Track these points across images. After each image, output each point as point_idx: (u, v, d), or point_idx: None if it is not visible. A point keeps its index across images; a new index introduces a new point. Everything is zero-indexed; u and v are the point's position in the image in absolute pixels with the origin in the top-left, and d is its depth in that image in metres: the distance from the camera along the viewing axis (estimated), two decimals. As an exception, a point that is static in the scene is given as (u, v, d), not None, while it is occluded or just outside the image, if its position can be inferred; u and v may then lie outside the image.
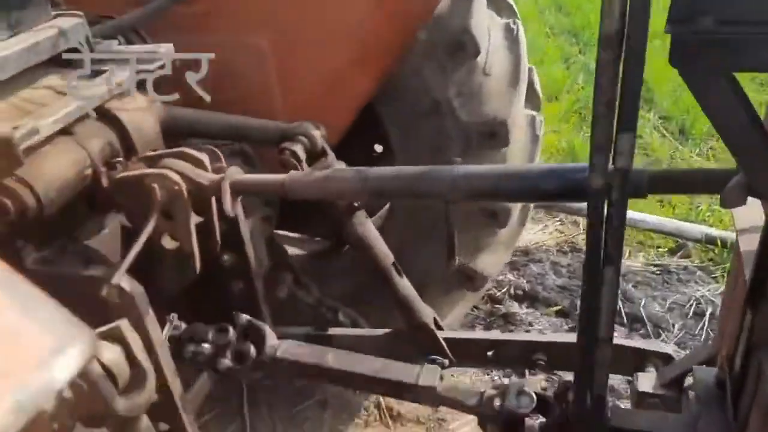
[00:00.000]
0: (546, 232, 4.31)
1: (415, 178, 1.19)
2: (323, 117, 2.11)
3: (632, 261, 3.86)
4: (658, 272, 3.80)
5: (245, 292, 1.77)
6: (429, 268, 2.48)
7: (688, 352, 2.95)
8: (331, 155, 1.85)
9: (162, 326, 1.62)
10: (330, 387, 3.05)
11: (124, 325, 1.10)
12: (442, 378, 1.55)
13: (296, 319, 2.42)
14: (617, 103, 0.96)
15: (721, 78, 0.85)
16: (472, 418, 2.90)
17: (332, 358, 1.58)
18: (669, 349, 2.02)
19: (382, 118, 2.20)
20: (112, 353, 1.04)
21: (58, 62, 1.41)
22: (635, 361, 2.11)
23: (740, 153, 0.90)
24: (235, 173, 1.33)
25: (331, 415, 2.96)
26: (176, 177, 1.30)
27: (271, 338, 1.63)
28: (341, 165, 1.84)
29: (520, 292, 3.72)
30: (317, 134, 1.77)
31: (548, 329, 3.34)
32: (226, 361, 1.58)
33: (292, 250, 2.91)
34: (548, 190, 1.10)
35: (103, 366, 1.02)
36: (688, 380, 1.73)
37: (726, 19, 0.79)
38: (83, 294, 1.29)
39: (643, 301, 3.51)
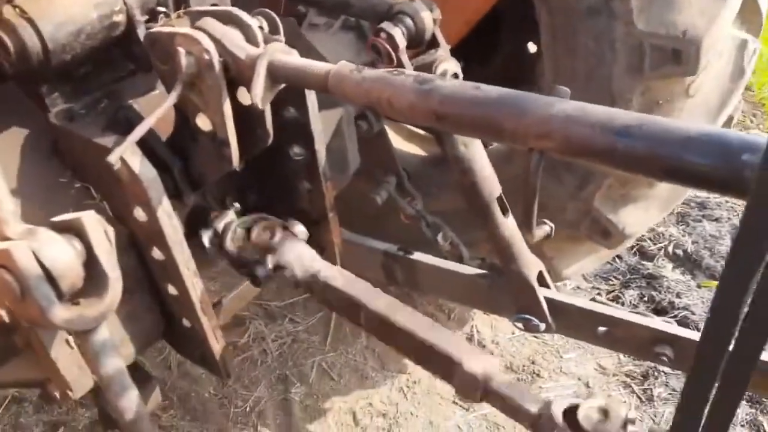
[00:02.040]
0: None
1: (496, 106, 0.79)
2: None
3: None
4: None
5: (312, 195, 1.51)
6: (557, 208, 2.06)
7: None
8: (444, 48, 1.46)
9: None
10: (425, 306, 2.84)
11: (87, 217, 0.88)
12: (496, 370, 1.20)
13: (390, 229, 2.18)
14: None
15: None
16: (573, 382, 2.57)
17: (379, 303, 1.29)
18: None
19: (535, 9, 1.72)
20: (58, 251, 0.84)
21: None
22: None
23: None
24: (278, 51, 1.01)
25: (461, 337, 2.76)
26: (207, 43, 1.01)
27: (312, 262, 1.37)
28: (453, 65, 1.45)
29: (679, 252, 3.11)
30: (427, 17, 1.37)
31: (698, 306, 2.77)
32: (262, 270, 1.36)
33: (410, 149, 2.59)
34: (697, 170, 0.66)
35: (42, 265, 0.82)
36: None
37: None
38: (98, 163, 1.10)
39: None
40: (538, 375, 2.55)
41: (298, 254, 1.37)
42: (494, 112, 0.79)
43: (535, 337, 2.68)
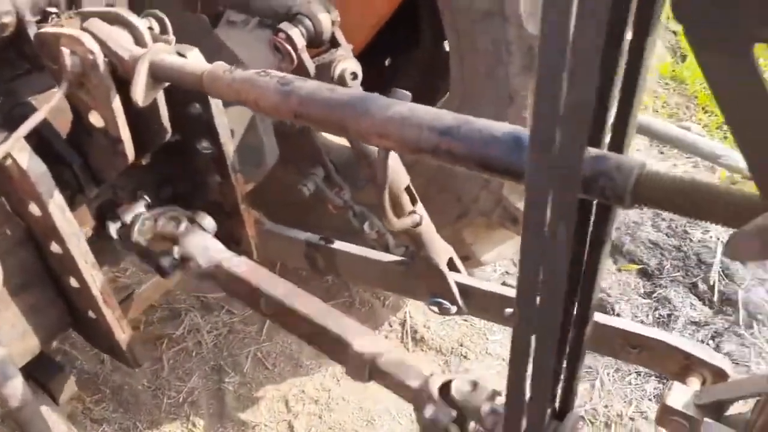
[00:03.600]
0: (663, 176, 3.68)
1: (344, 107, 0.86)
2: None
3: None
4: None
5: (223, 188, 1.57)
6: (471, 198, 2.15)
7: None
8: (344, 48, 1.52)
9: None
10: (361, 293, 2.92)
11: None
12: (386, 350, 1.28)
13: (320, 221, 2.24)
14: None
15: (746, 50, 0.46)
16: (497, 363, 2.69)
17: (278, 290, 1.36)
18: (725, 364, 1.62)
19: (440, 13, 1.80)
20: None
21: None
22: (679, 366, 1.75)
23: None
24: (160, 52, 1.06)
25: (354, 320, 2.84)
26: (91, 43, 1.06)
27: (216, 252, 1.43)
28: (352, 64, 1.52)
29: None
30: (325, 18, 1.44)
31: (615, 288, 2.92)
32: (167, 260, 1.42)
33: (340, 140, 2.66)
34: (501, 163, 0.75)
35: None
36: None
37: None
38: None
39: (746, 283, 2.95)
40: (465, 357, 2.66)
41: (203, 245, 1.43)
42: (343, 113, 0.86)
43: (464, 320, 2.78)
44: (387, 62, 2.71)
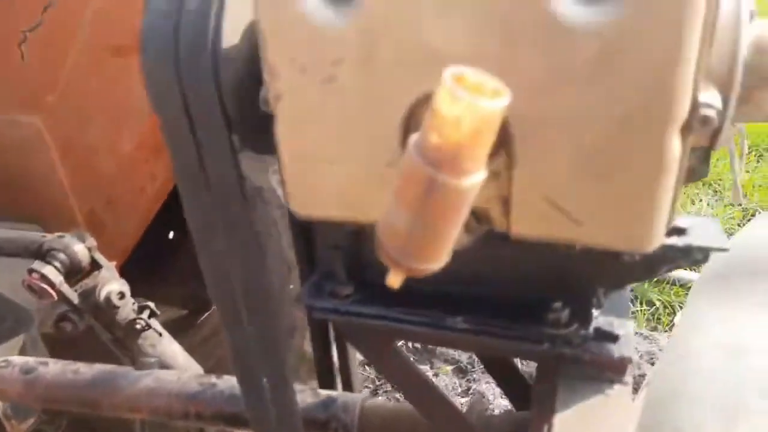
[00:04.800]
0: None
1: (91, 387, 0.88)
2: (122, 200, 1.81)
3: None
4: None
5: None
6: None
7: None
8: (107, 268, 1.53)
9: None
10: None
11: None
12: None
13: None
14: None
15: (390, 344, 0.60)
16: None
17: None
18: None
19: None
20: None
21: None
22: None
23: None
24: None
25: None
26: None
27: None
28: (117, 285, 1.52)
29: (417, 346, 3.47)
30: (80, 249, 1.44)
31: (438, 394, 3.10)
32: None
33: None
34: (237, 415, 0.82)
35: None
36: None
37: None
38: None
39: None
40: None
41: None
42: (92, 392, 0.88)
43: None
44: (170, 235, 2.73)
